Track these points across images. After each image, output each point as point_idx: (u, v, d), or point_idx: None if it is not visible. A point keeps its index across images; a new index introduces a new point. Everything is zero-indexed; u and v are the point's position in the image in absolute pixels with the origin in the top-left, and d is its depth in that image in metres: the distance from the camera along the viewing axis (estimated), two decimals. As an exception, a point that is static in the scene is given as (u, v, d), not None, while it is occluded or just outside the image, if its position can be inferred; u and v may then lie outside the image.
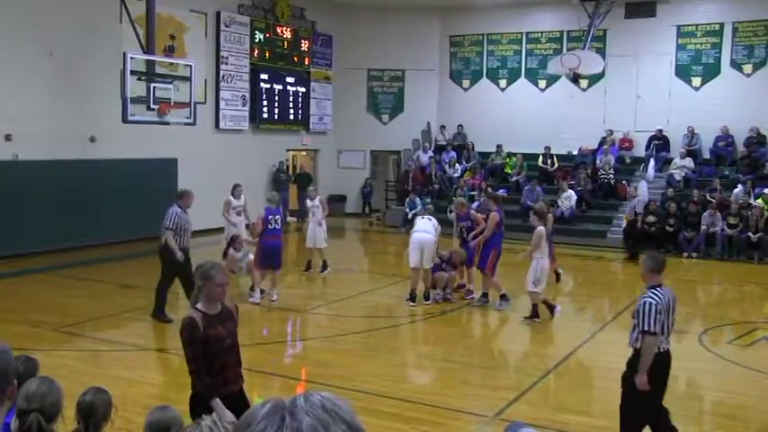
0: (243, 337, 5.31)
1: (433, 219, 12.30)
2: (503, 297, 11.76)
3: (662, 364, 5.80)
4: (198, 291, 4.88)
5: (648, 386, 5.63)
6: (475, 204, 15.90)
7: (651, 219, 18.32)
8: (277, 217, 11.89)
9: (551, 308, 11.09)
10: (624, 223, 18.82)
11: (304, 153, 25.09)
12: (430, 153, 23.60)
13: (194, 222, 11.86)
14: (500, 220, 11.84)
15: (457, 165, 23.13)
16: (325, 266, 14.54)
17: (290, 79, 22.74)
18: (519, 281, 11.55)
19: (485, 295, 11.91)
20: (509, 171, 22.54)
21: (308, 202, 15.19)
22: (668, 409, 6.04)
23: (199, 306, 4.84)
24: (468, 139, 24.00)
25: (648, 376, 5.67)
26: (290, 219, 21.13)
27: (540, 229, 10.74)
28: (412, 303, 11.73)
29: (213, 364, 4.78)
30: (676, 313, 5.99)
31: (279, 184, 21.02)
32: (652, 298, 5.64)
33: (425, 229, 11.89)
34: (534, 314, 10.88)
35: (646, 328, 5.57)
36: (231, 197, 14.63)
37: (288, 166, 23.67)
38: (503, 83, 24.33)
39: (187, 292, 9.88)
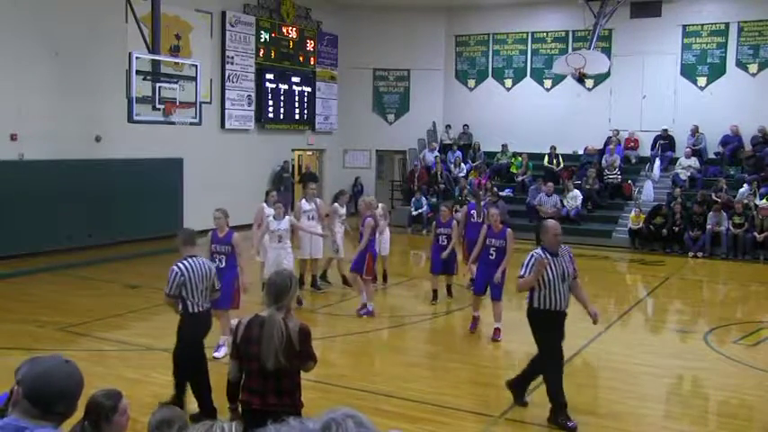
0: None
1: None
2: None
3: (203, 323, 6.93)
4: None
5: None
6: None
7: (659, 220, 18.30)
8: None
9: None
10: (630, 223, 18.83)
11: (309, 153, 25.10)
12: (435, 152, 23.61)
13: (198, 223, 11.86)
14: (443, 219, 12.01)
15: (462, 164, 23.13)
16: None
17: (295, 79, 22.76)
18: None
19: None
20: (514, 171, 22.56)
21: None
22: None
23: None
24: (474, 139, 24.04)
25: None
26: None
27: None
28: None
29: None
30: (210, 281, 6.87)
31: (282, 184, 21.01)
32: (177, 266, 6.68)
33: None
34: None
35: (166, 291, 6.69)
36: (336, 204, 13.15)
37: (293, 166, 23.66)
38: (508, 82, 24.33)
39: None
